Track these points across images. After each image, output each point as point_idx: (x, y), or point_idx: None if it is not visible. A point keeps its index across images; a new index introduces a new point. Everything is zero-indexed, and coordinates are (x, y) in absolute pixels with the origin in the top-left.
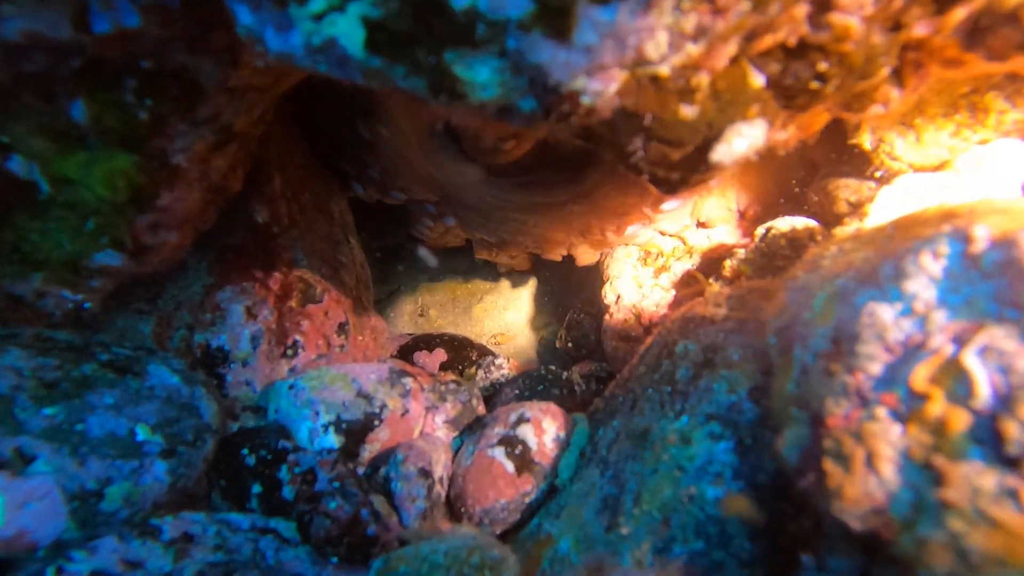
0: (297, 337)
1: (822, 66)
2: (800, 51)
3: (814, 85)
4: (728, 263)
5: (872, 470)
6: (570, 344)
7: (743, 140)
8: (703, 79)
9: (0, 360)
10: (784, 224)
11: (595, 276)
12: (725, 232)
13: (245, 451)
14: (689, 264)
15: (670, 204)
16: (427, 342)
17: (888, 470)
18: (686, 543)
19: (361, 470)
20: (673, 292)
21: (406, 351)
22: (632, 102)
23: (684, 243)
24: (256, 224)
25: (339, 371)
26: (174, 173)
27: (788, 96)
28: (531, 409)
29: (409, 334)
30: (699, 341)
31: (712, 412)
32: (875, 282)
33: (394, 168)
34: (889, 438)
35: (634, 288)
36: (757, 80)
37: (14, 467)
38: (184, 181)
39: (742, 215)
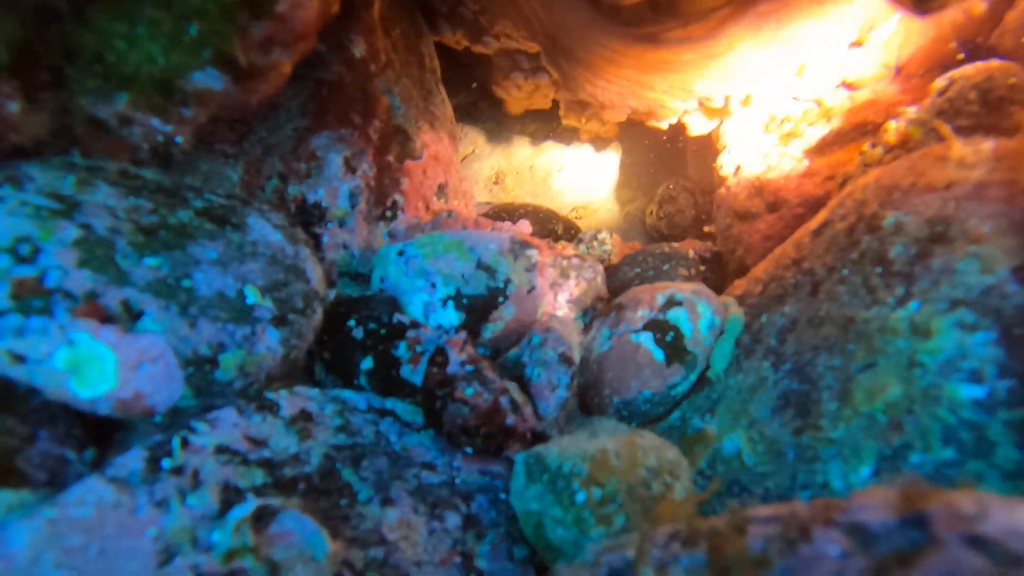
0: (397, 197)
1: None
2: None
3: None
4: (892, 125)
5: None
6: (662, 221)
7: None
8: None
9: (91, 195)
10: (974, 71)
11: (700, 145)
12: (874, 92)
13: (352, 322)
14: (826, 129)
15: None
16: (509, 213)
17: None
18: (928, 451)
19: (482, 351)
20: (807, 162)
21: (487, 221)
22: None
23: (820, 105)
24: (353, 58)
25: (454, 238)
26: None
27: None
28: (682, 290)
29: (487, 203)
30: (917, 212)
31: (959, 297)
32: None
33: (496, 5)
34: None
35: (757, 157)
36: None
37: (123, 322)
38: None
39: (899, 71)
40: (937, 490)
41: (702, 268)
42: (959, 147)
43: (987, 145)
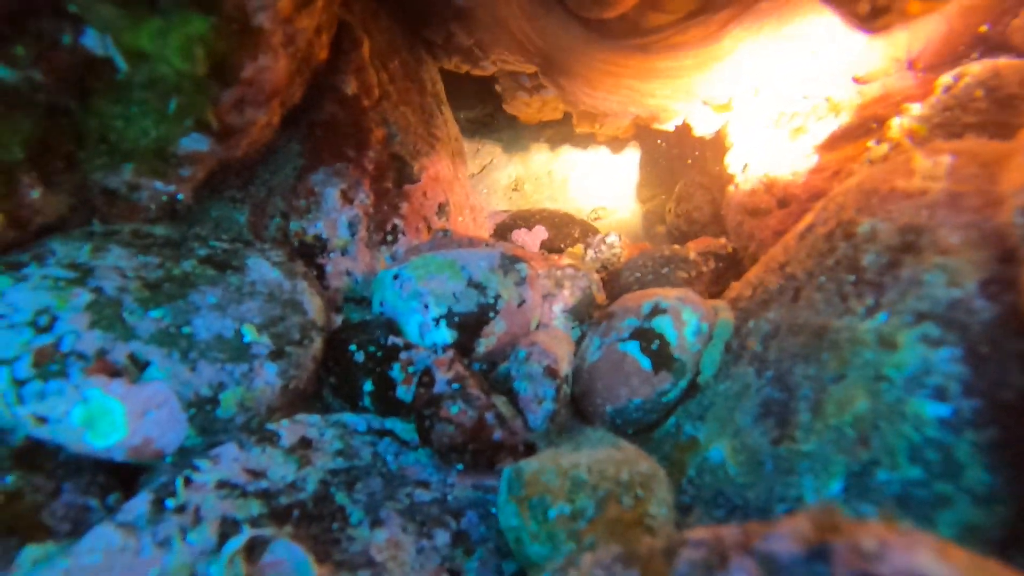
0: (396, 221)
1: None
2: None
3: None
4: (896, 122)
5: None
6: (680, 218)
7: None
8: None
9: (103, 259)
10: (980, 69)
11: (712, 142)
12: (884, 86)
13: (353, 347)
14: (835, 124)
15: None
16: (526, 219)
17: None
18: (896, 469)
19: (477, 366)
20: (816, 157)
21: (504, 230)
22: None
23: (828, 101)
24: (345, 96)
25: (446, 258)
26: (256, 37)
27: None
28: (667, 298)
29: (505, 211)
30: (892, 219)
31: (925, 310)
32: None
33: (489, 35)
34: None
35: (765, 154)
36: None
37: (130, 374)
38: (268, 47)
39: (911, 65)
40: (849, 522)
41: (715, 267)
42: (920, 160)
43: (945, 159)
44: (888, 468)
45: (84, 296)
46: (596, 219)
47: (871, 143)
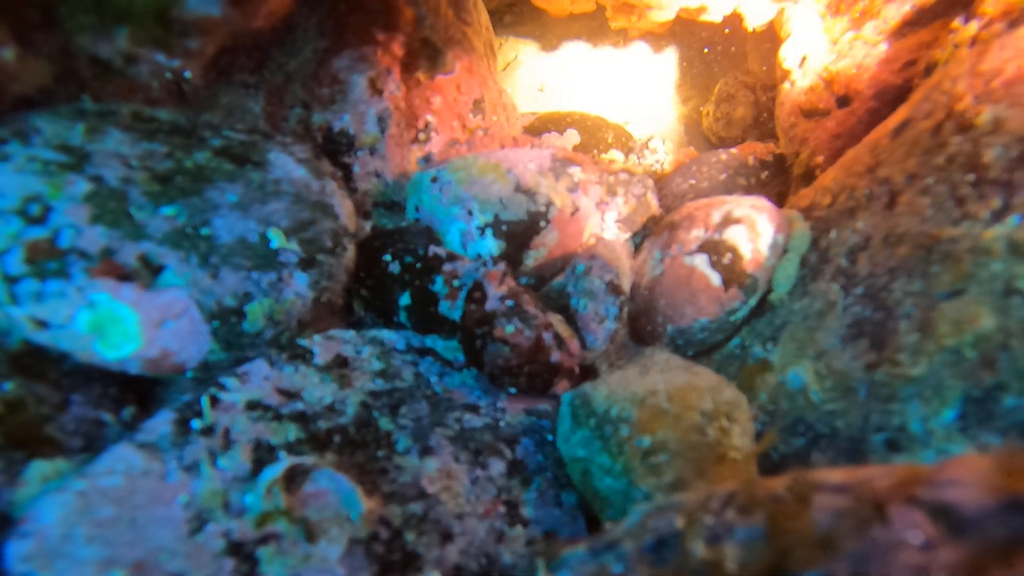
0: (429, 117)
1: None
2: None
3: None
4: None
5: None
6: (719, 122)
7: None
8: None
9: (102, 143)
10: None
11: (756, 39)
12: None
13: (388, 256)
14: (907, 5)
15: None
16: (556, 122)
17: None
18: None
19: (524, 280)
20: (885, 45)
21: (532, 133)
22: None
23: None
24: None
25: (489, 159)
26: None
27: None
28: (740, 206)
29: (532, 113)
30: (1021, 104)
31: None
32: None
33: None
34: None
35: (826, 44)
36: None
37: (143, 278)
38: None
39: None
40: None
41: (764, 175)
42: None
43: None
44: (1017, 393)
45: (82, 184)
46: (629, 124)
47: (958, 21)
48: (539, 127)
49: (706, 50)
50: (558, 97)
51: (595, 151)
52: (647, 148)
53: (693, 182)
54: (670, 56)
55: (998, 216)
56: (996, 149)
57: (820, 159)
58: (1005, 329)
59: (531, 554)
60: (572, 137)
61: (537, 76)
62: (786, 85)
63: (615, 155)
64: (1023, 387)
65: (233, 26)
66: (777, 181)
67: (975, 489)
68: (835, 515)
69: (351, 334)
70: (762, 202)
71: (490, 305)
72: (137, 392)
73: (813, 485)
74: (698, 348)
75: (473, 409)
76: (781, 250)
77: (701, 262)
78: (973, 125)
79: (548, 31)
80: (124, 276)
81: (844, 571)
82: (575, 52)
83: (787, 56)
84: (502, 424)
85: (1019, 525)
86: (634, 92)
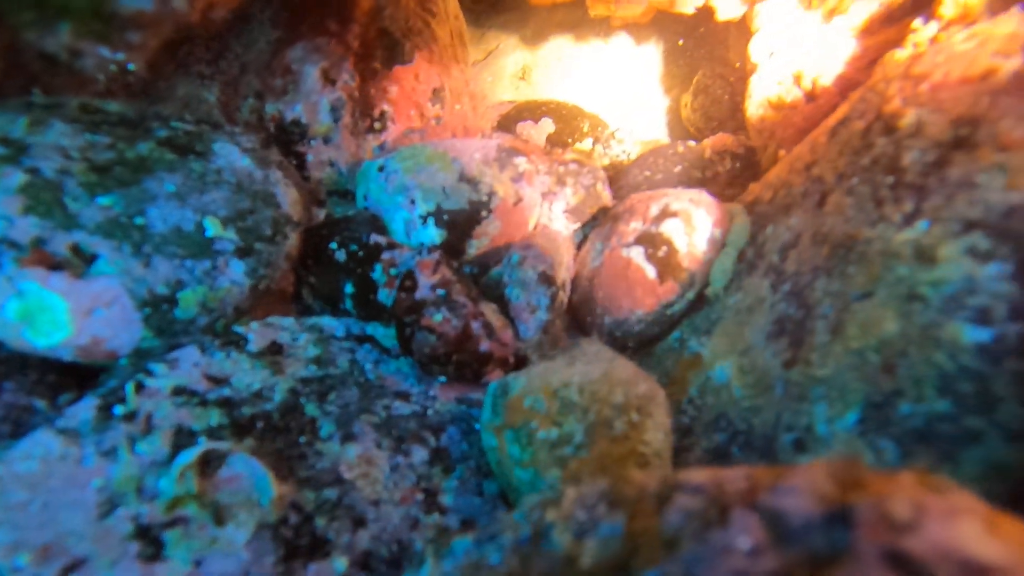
0: (385, 107)
1: None
2: None
3: None
4: None
5: None
6: (697, 113)
7: None
8: None
9: (42, 136)
10: None
11: (735, 30)
12: None
13: (334, 244)
14: (876, 3)
15: None
16: (532, 111)
17: None
18: (921, 401)
19: (468, 269)
20: (853, 43)
21: (508, 121)
22: None
23: None
24: None
25: (437, 148)
26: None
27: None
28: (678, 199)
29: (510, 101)
30: (943, 110)
31: (975, 218)
32: None
33: None
34: None
35: (794, 39)
36: None
37: (75, 267)
38: None
39: None
40: (876, 477)
41: (730, 166)
42: (1006, 26)
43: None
44: (912, 400)
45: (17, 176)
46: (607, 113)
47: (917, 22)
48: (515, 115)
49: (680, 42)
50: (541, 86)
51: (570, 139)
52: (613, 138)
53: (648, 174)
54: (653, 47)
55: (909, 220)
56: (914, 152)
57: (783, 153)
58: (905, 335)
59: (428, 542)
60: (547, 125)
61: (518, 65)
62: (754, 77)
63: (587, 144)
64: (919, 394)
65: (172, 19)
66: (748, 174)
67: (806, 497)
68: (685, 516)
69: (290, 321)
70: (702, 196)
71: (420, 294)
72: (80, 379)
73: (676, 484)
74: (637, 340)
75: (404, 396)
76: (719, 244)
77: (637, 254)
78: (897, 128)
79: (531, 19)
80: (54, 265)
81: (677, 572)
82: (557, 41)
83: (755, 50)
84: (430, 412)
85: (838, 538)
86: (617, 82)
